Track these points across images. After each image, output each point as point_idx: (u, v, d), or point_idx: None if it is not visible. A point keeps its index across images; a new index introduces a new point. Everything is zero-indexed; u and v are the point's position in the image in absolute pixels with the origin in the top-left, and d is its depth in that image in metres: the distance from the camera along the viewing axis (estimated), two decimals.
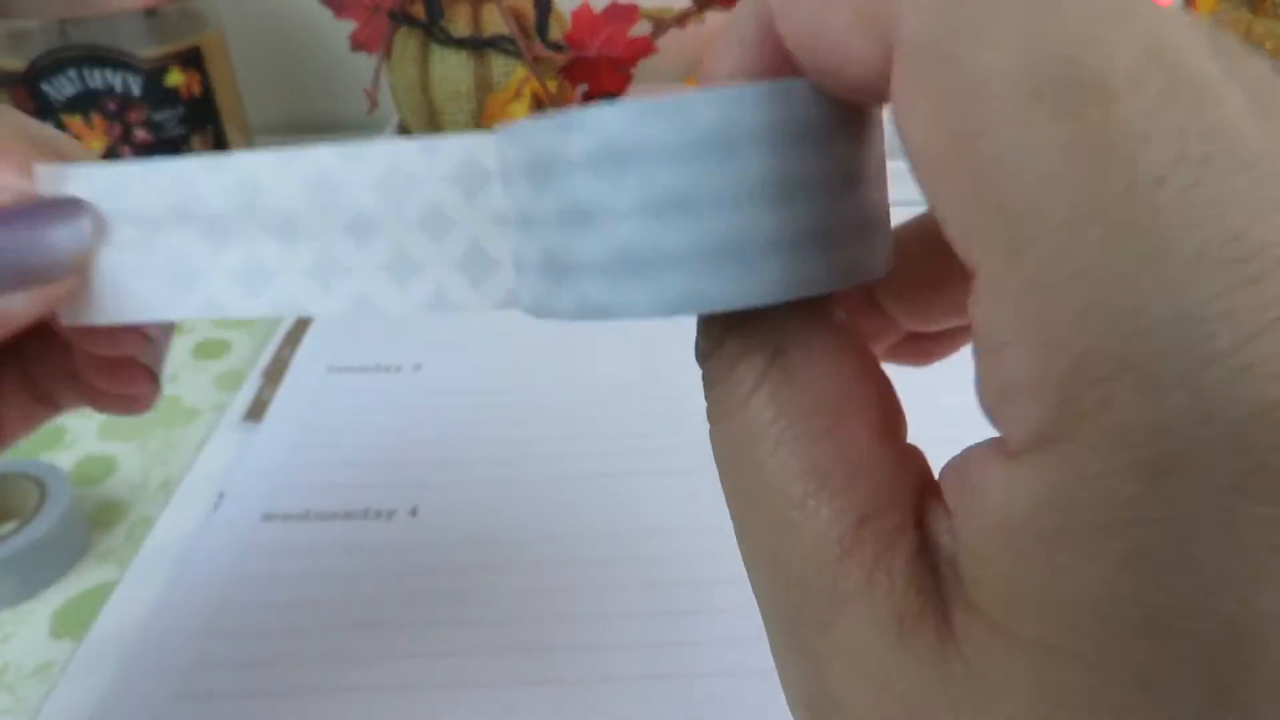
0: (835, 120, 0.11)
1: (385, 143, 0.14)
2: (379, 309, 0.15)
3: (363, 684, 0.25)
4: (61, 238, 0.17)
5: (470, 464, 0.34)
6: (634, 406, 0.36)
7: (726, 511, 0.12)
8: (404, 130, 0.55)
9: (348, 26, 0.50)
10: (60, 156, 0.19)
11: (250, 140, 0.56)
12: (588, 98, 0.51)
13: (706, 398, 0.12)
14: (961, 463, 0.10)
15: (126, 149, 0.49)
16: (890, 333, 0.17)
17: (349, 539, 0.30)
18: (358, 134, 0.62)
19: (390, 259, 0.15)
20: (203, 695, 0.25)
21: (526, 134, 0.12)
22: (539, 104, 0.50)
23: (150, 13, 0.47)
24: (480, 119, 0.50)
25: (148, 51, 0.48)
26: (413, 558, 0.30)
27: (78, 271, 0.17)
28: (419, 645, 0.26)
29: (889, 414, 0.12)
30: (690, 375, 0.13)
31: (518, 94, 0.48)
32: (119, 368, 0.20)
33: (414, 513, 0.31)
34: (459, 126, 0.50)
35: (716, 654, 0.26)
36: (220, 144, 0.53)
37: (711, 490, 0.28)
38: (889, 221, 0.13)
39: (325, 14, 0.56)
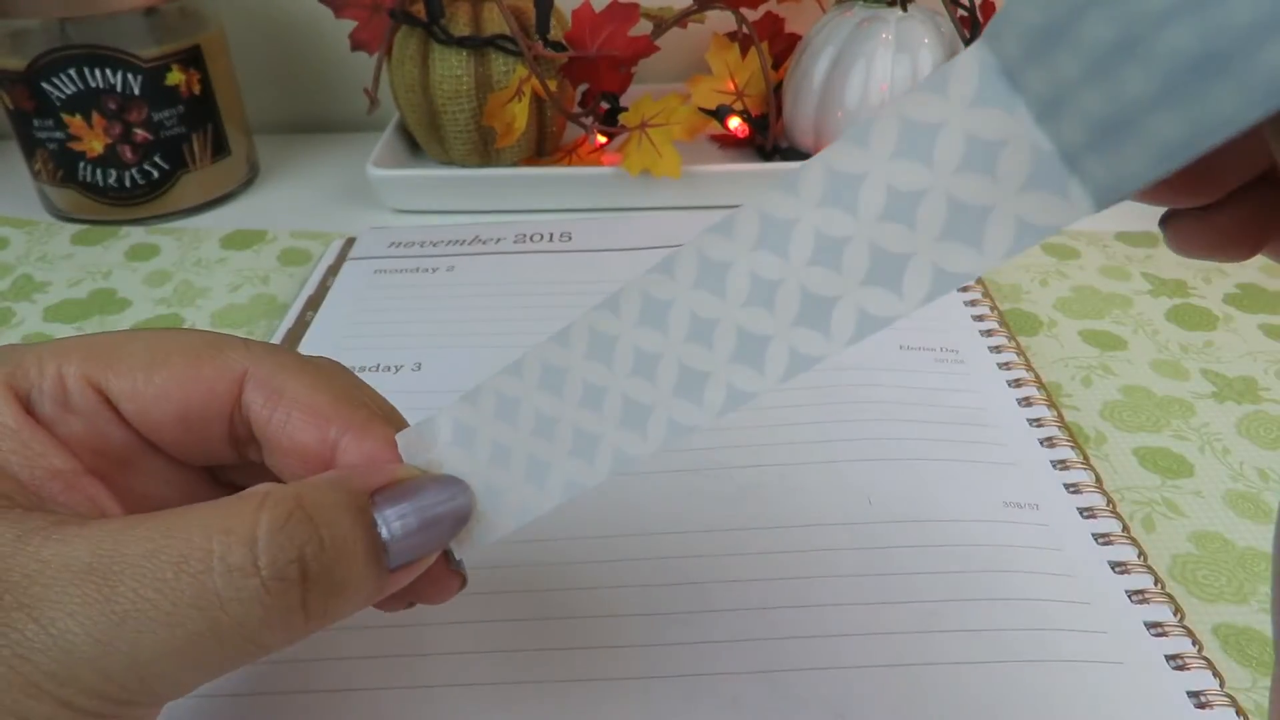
0: None
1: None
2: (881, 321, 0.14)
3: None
4: (444, 523, 0.18)
5: None
6: None
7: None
8: (404, 129, 0.55)
9: (348, 26, 0.50)
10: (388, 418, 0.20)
11: (250, 139, 0.56)
12: (588, 97, 0.51)
13: None
14: None
15: (126, 148, 0.49)
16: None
17: None
18: (357, 133, 0.62)
19: (869, 268, 0.14)
20: None
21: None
22: (539, 103, 0.50)
23: (150, 12, 0.47)
24: (480, 118, 0.50)
25: (148, 50, 0.48)
26: None
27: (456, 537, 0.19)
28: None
29: None
30: None
31: (518, 93, 0.48)
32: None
33: None
34: (459, 126, 0.50)
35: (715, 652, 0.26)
36: (219, 142, 0.53)
37: (710, 488, 0.28)
38: None
39: (325, 14, 0.56)
